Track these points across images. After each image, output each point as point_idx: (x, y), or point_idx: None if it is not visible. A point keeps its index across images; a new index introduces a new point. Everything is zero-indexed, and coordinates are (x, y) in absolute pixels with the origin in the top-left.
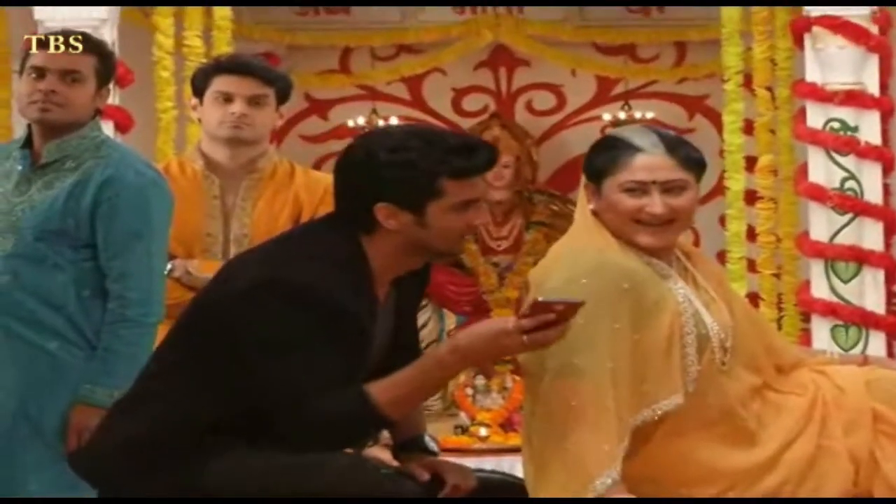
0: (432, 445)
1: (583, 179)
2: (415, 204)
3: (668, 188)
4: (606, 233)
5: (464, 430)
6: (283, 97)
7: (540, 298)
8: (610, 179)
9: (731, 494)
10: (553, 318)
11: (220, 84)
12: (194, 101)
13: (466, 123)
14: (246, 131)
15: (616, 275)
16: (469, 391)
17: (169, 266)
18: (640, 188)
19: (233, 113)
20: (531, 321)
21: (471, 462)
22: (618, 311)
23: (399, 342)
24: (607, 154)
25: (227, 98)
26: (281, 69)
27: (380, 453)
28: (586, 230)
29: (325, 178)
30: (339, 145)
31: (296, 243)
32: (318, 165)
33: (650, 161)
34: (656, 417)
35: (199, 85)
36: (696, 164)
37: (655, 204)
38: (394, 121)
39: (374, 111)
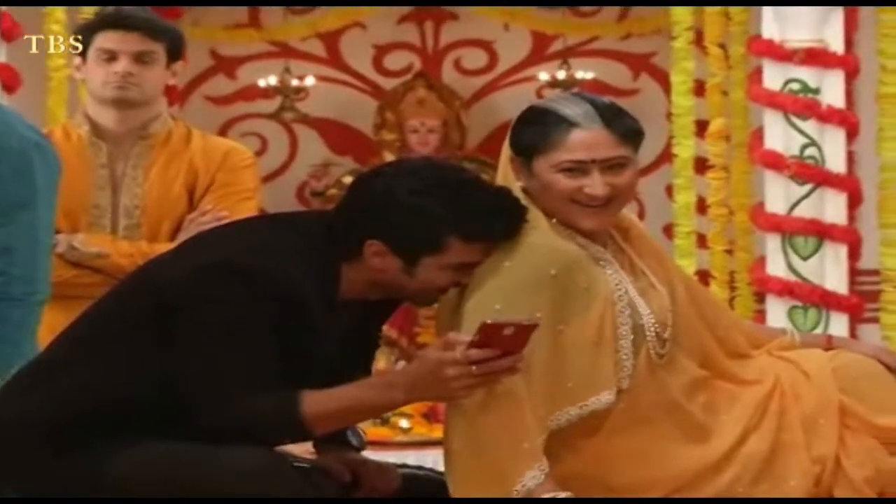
0: (355, 440)
1: (507, 152)
2: (411, 253)
3: (609, 166)
4: (536, 211)
5: (384, 421)
6: (174, 53)
7: (489, 321)
8: (542, 158)
9: (679, 495)
10: (499, 352)
11: (102, 41)
12: (77, 60)
13: (389, 83)
14: (132, 91)
15: (543, 259)
16: None
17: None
18: (578, 168)
19: (116, 72)
20: (479, 352)
21: (392, 456)
22: (539, 300)
23: (351, 363)
24: (538, 129)
25: (111, 56)
26: (175, 23)
27: (297, 447)
28: None
29: (225, 143)
30: (248, 107)
31: (270, 231)
32: (224, 129)
33: (588, 137)
34: (584, 416)
35: (82, 42)
36: (635, 136)
37: (596, 184)
38: (309, 80)
39: (288, 70)
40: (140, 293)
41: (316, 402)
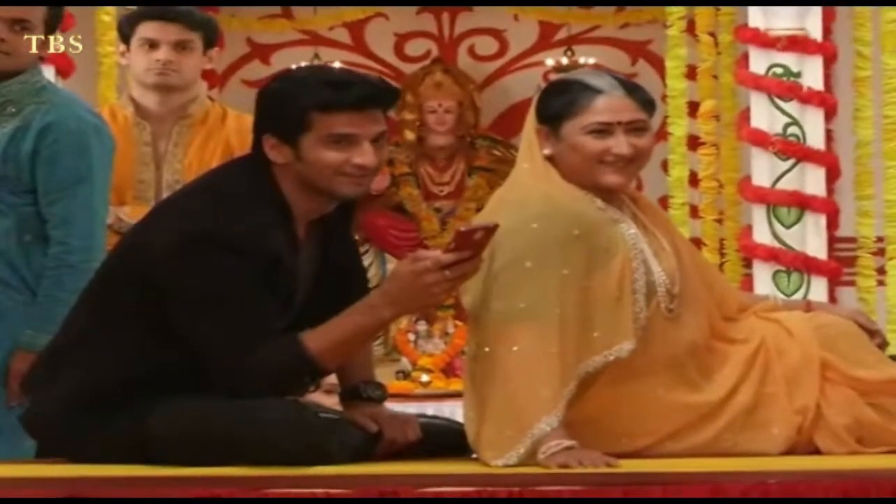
0: (376, 394)
1: (532, 123)
2: (289, 136)
3: (632, 129)
4: (557, 177)
5: (405, 375)
6: (209, 41)
7: (462, 228)
8: (570, 122)
9: (670, 442)
10: (469, 254)
11: (144, 30)
12: (122, 47)
13: (409, 68)
14: (173, 77)
15: (567, 221)
16: (411, 336)
17: None
18: (605, 129)
19: (158, 60)
20: (450, 255)
21: (412, 407)
22: (568, 257)
23: (346, 283)
24: (565, 97)
25: (152, 44)
26: (213, 14)
27: (323, 399)
28: (532, 175)
29: None
30: None
31: (213, 187)
32: None
33: (613, 102)
34: (608, 363)
35: (125, 31)
36: (651, 106)
37: (621, 144)
38: (337, 66)
39: (317, 56)
40: (129, 275)
41: (315, 339)
